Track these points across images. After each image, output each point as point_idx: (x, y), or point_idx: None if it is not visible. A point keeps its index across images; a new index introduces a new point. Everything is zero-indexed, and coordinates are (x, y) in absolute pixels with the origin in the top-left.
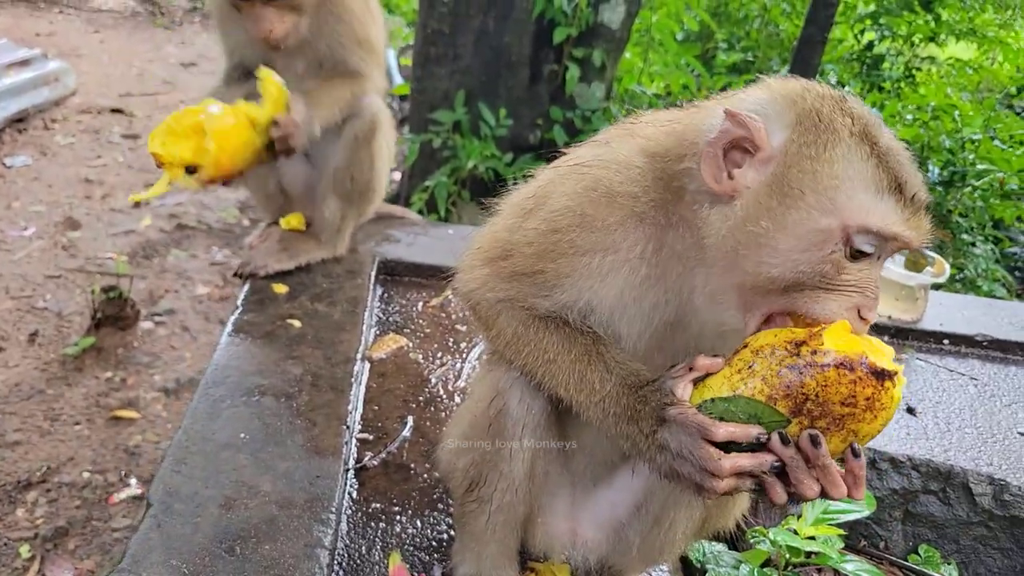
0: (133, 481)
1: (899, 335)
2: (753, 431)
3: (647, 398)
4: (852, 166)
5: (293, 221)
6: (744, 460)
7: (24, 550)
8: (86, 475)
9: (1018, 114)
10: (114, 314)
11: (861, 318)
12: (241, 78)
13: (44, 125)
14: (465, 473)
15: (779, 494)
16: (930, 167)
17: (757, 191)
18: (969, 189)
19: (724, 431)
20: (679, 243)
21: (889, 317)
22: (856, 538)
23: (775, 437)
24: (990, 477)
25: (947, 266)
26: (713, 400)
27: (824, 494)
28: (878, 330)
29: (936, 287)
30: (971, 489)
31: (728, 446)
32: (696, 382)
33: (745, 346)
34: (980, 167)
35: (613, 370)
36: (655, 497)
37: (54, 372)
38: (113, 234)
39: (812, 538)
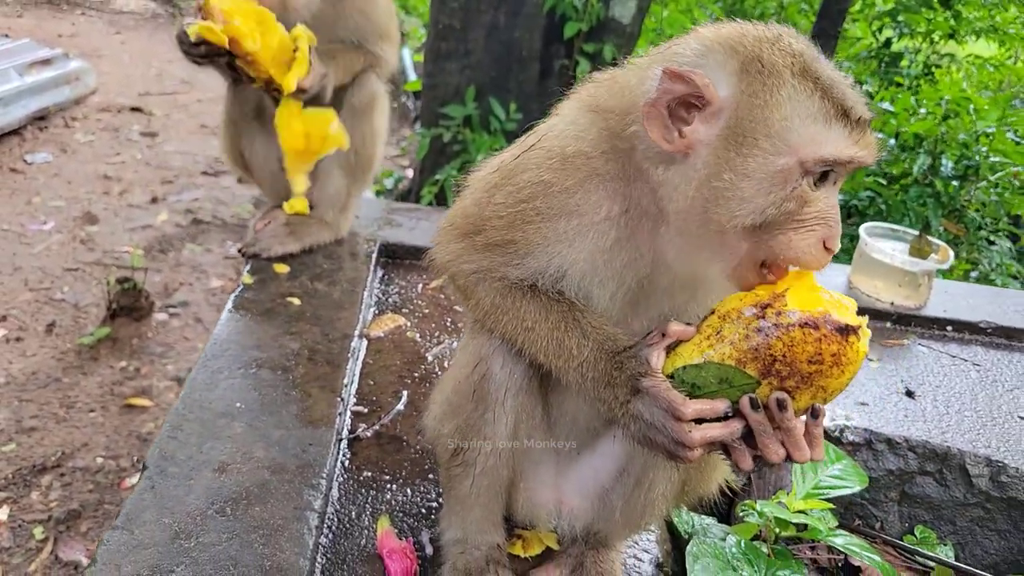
0: None
1: (902, 321)
2: (720, 406)
3: (623, 365)
4: (799, 104)
5: (297, 205)
6: (714, 431)
7: (38, 532)
8: (99, 460)
9: None
10: (129, 305)
11: (826, 249)
12: None
13: (65, 123)
14: (450, 439)
15: (746, 460)
16: (943, 161)
17: (713, 145)
18: (984, 184)
19: (692, 410)
20: (644, 199)
21: (892, 303)
22: (851, 518)
23: (745, 400)
24: (988, 459)
25: (951, 253)
26: (685, 367)
27: (788, 458)
28: (881, 316)
29: (943, 274)
30: (968, 471)
31: None
32: (669, 349)
33: (713, 312)
34: (993, 160)
35: (590, 335)
36: (635, 460)
37: (70, 361)
38: (130, 228)
39: (803, 512)
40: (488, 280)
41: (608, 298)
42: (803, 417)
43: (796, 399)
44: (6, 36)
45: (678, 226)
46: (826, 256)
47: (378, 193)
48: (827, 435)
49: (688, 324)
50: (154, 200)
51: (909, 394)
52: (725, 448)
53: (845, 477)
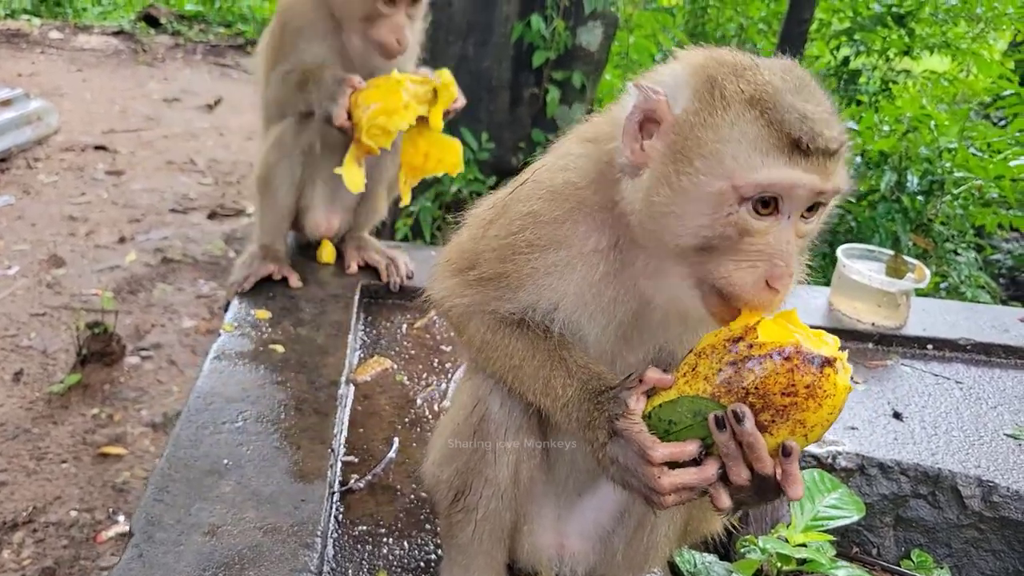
0: (121, 518)
1: (883, 342)
2: (690, 448)
3: (603, 406)
4: (737, 128)
5: (326, 256)
6: (686, 477)
7: None
8: (73, 514)
9: (995, 124)
10: (100, 350)
11: (771, 287)
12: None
13: (27, 164)
14: (450, 484)
15: (723, 500)
16: (909, 177)
17: (658, 160)
18: (949, 198)
19: (662, 454)
20: (630, 231)
21: (873, 324)
22: (848, 545)
23: (711, 419)
24: (978, 479)
25: (927, 272)
26: (661, 405)
27: (753, 477)
28: (863, 337)
29: (918, 293)
30: (960, 492)
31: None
32: (649, 392)
33: (691, 351)
34: (957, 175)
35: (575, 374)
36: (636, 501)
37: (40, 410)
38: (98, 270)
39: (803, 545)
40: (480, 315)
41: (599, 332)
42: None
43: (774, 434)
44: None
45: (644, 244)
46: (769, 295)
47: None
48: (820, 463)
49: (665, 371)
50: (122, 240)
51: (897, 416)
52: (702, 491)
53: (842, 506)
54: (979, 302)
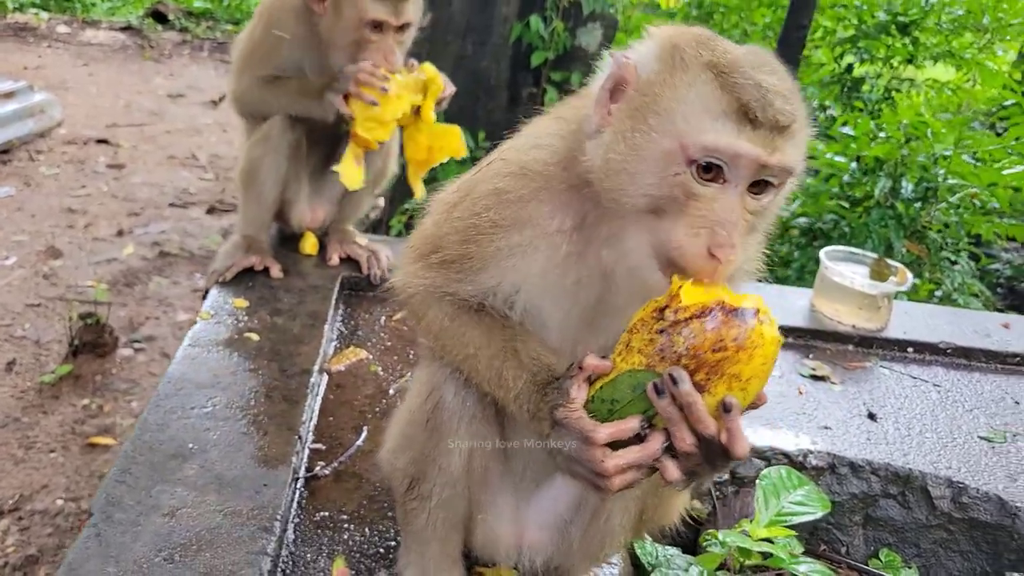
0: None
1: (863, 344)
2: (632, 424)
3: (547, 397)
4: (693, 90)
5: (308, 247)
6: (630, 455)
7: None
8: (59, 503)
9: (999, 135)
10: (92, 341)
11: (713, 256)
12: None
13: (29, 156)
14: (405, 472)
15: (671, 471)
16: (904, 183)
17: (618, 119)
18: (944, 205)
19: (604, 434)
20: (594, 210)
21: (853, 326)
22: (817, 543)
23: (651, 387)
24: (948, 480)
25: (909, 275)
26: (602, 387)
27: (699, 442)
28: (843, 339)
29: (907, 295)
30: (930, 492)
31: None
32: (592, 380)
33: (625, 329)
34: (951, 182)
35: (526, 366)
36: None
37: (30, 400)
38: (95, 262)
39: (768, 540)
40: (440, 300)
41: (563, 317)
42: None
43: (712, 392)
44: None
45: (604, 208)
46: (711, 263)
47: None
48: (791, 461)
49: (604, 357)
50: (120, 233)
51: (871, 416)
52: (650, 468)
53: (808, 503)
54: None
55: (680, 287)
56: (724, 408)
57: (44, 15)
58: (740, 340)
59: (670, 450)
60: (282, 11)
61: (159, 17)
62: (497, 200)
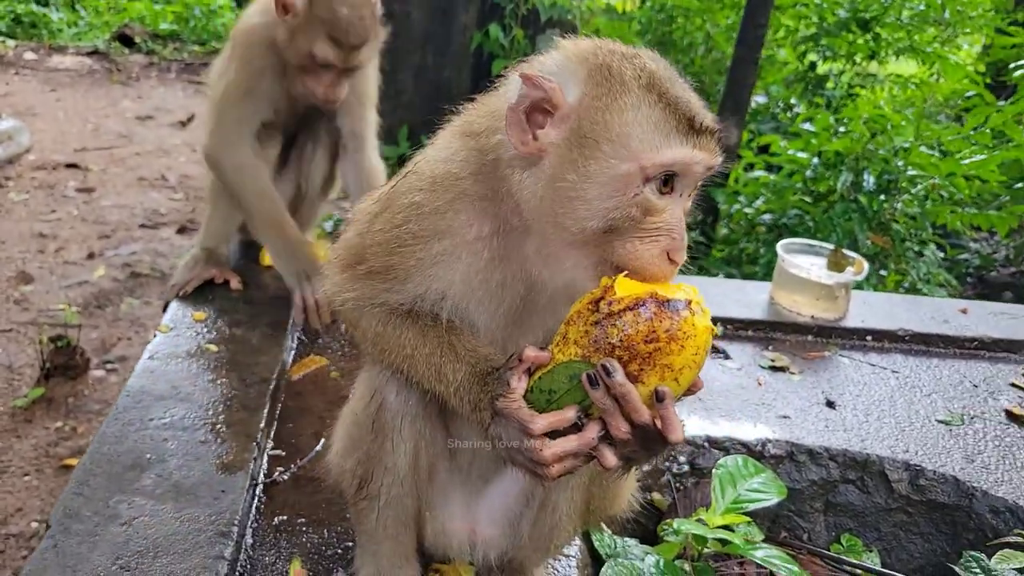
0: None
1: (822, 334)
2: (569, 414)
3: (487, 387)
4: (640, 112)
5: (268, 258)
6: (567, 444)
7: None
8: (34, 525)
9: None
10: (63, 363)
11: (671, 260)
12: (261, 141)
13: None
14: (353, 473)
15: (609, 458)
16: (866, 176)
17: (560, 147)
18: (908, 197)
19: (541, 424)
20: (513, 217)
21: (812, 316)
22: (778, 531)
23: (584, 378)
24: (906, 463)
25: (866, 265)
26: (540, 377)
27: (634, 429)
28: (802, 330)
29: (871, 286)
30: (888, 476)
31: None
32: (531, 371)
33: (563, 322)
34: (912, 173)
35: (464, 358)
36: (539, 483)
37: (3, 425)
38: (66, 286)
39: (727, 528)
40: (371, 309)
41: (488, 319)
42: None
43: (645, 382)
44: None
45: (539, 232)
46: (669, 267)
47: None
48: (749, 450)
49: (543, 349)
50: (91, 256)
51: (830, 404)
52: (588, 456)
53: (764, 490)
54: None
55: (614, 280)
56: (657, 398)
57: (11, 43)
58: (672, 331)
59: (607, 438)
60: (252, 45)
61: (125, 40)
62: (415, 212)
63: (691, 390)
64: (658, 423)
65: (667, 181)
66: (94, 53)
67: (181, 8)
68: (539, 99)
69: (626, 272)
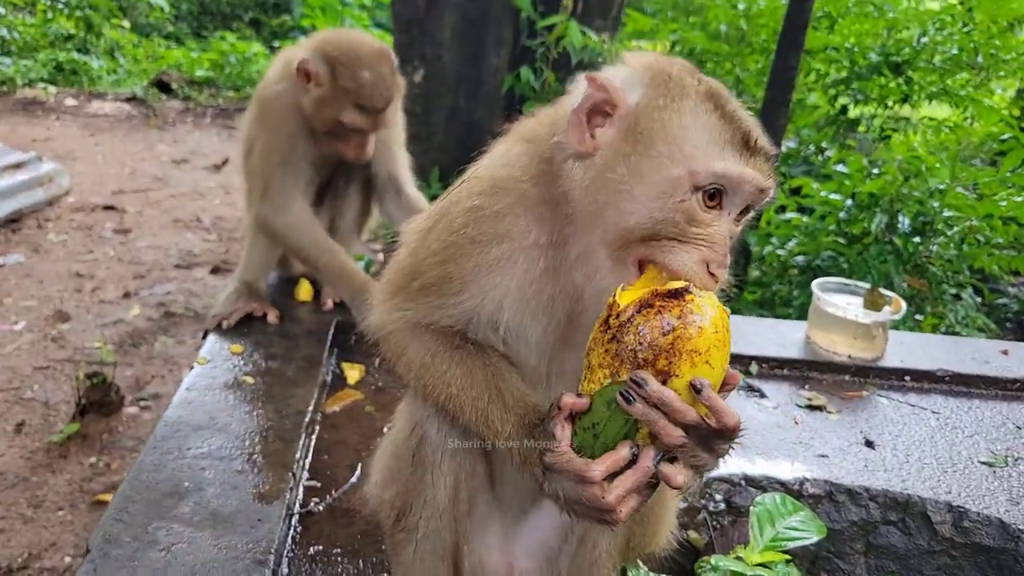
0: None
1: (860, 373)
2: (623, 452)
3: (536, 441)
4: (698, 118)
5: (303, 293)
6: (627, 481)
7: None
8: (67, 559)
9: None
10: (98, 400)
11: (710, 273)
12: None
13: (38, 224)
14: (392, 504)
15: (675, 477)
16: (900, 218)
17: (614, 143)
18: (943, 239)
19: (599, 472)
20: (567, 226)
21: (849, 356)
22: (818, 572)
23: (618, 398)
24: (949, 505)
25: (903, 304)
26: (580, 417)
27: (686, 431)
28: (839, 369)
29: (907, 327)
30: (930, 518)
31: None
32: (574, 417)
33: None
34: (947, 214)
35: (512, 408)
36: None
37: (39, 460)
38: (102, 324)
39: (763, 566)
40: (419, 336)
41: (541, 333)
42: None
43: (679, 375)
44: None
45: (582, 231)
46: (709, 279)
47: None
48: (787, 489)
49: (580, 396)
50: (126, 295)
51: (869, 444)
52: (653, 483)
53: (803, 528)
54: None
55: (614, 296)
56: (696, 390)
57: (52, 89)
58: (684, 315)
59: (664, 459)
60: (279, 112)
61: (163, 87)
62: (474, 216)
63: (728, 383)
64: (708, 419)
65: (715, 195)
66: (132, 99)
67: (216, 56)
68: (601, 100)
69: (624, 285)
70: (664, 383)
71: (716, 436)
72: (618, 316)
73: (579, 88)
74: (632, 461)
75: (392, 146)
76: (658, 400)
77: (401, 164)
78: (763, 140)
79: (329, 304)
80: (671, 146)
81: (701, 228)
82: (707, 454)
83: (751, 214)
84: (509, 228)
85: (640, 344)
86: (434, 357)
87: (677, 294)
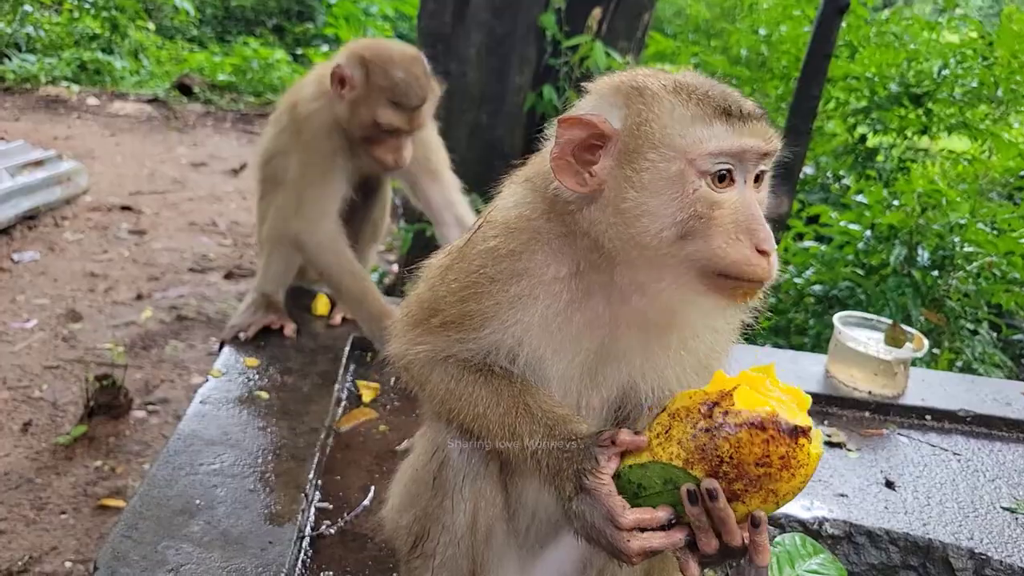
0: None
1: (880, 410)
2: (661, 516)
3: (572, 457)
4: (676, 111)
5: (320, 308)
6: (655, 541)
7: None
8: (68, 564)
9: (1016, 205)
10: (107, 403)
11: (761, 252)
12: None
13: (55, 222)
14: (409, 530)
15: (692, 568)
16: (919, 251)
17: (615, 172)
18: (962, 274)
19: (632, 519)
20: (592, 255)
21: (869, 392)
22: None
23: (684, 493)
24: (971, 551)
25: (926, 341)
26: (631, 467)
27: (723, 546)
28: (859, 405)
29: (925, 364)
30: (951, 564)
31: None
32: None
33: (664, 410)
34: (967, 250)
35: (541, 420)
36: (597, 552)
37: (44, 461)
38: (113, 325)
39: None
40: (442, 364)
41: (565, 368)
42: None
43: (746, 503)
44: (1, 139)
45: (626, 261)
46: (762, 260)
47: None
48: (806, 529)
49: (638, 433)
50: (139, 297)
51: (889, 485)
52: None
53: (823, 571)
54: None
55: (735, 388)
56: (752, 522)
57: (75, 87)
58: (787, 458)
59: (691, 544)
60: (317, 129)
61: (184, 89)
62: (491, 257)
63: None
64: (745, 539)
65: (723, 176)
66: (154, 100)
67: (239, 61)
68: (585, 138)
69: (738, 388)
70: (729, 501)
71: (740, 555)
72: (726, 414)
73: (551, 134)
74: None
75: (442, 173)
76: (718, 516)
77: (454, 189)
78: (746, 105)
79: (337, 318)
80: (661, 148)
81: (726, 210)
82: (722, 560)
83: (768, 177)
84: (527, 265)
85: (731, 459)
86: (458, 382)
87: (794, 432)
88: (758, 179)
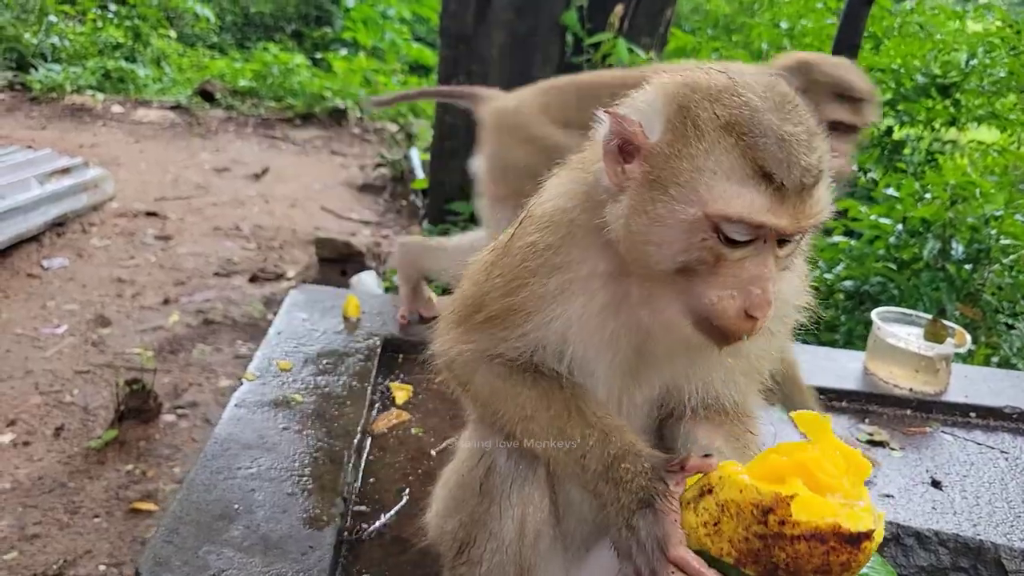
0: None
1: (922, 408)
2: (708, 573)
3: (639, 472)
4: (711, 158)
5: (351, 310)
6: None
7: None
8: (102, 567)
9: None
10: (137, 407)
11: (749, 316)
12: None
13: (82, 228)
14: (454, 536)
15: None
16: (953, 244)
17: (636, 187)
18: (998, 267)
19: (681, 554)
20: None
21: (911, 390)
22: None
23: None
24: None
25: (968, 337)
26: (687, 534)
27: None
28: (901, 403)
29: (962, 359)
30: (1004, 565)
31: None
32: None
33: (710, 491)
34: (1004, 242)
35: (595, 424)
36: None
37: (77, 465)
38: (141, 330)
39: None
40: (487, 363)
41: (607, 368)
42: None
43: None
44: (29, 147)
45: (632, 268)
46: (747, 323)
47: (387, 289)
48: None
49: (708, 456)
50: (166, 302)
51: (936, 484)
52: None
53: (872, 574)
54: None
55: (792, 497)
56: None
57: (100, 96)
58: (847, 563)
59: None
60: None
61: (206, 96)
62: (531, 251)
63: None
64: None
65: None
66: (176, 107)
67: (259, 66)
68: (626, 137)
69: (795, 498)
70: None
71: None
72: (782, 524)
73: (603, 121)
74: None
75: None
76: None
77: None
78: (795, 171)
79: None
80: (684, 190)
81: (733, 264)
82: None
83: (806, 236)
84: (564, 259)
85: (786, 566)
86: (505, 381)
87: (856, 539)
88: (784, 243)
